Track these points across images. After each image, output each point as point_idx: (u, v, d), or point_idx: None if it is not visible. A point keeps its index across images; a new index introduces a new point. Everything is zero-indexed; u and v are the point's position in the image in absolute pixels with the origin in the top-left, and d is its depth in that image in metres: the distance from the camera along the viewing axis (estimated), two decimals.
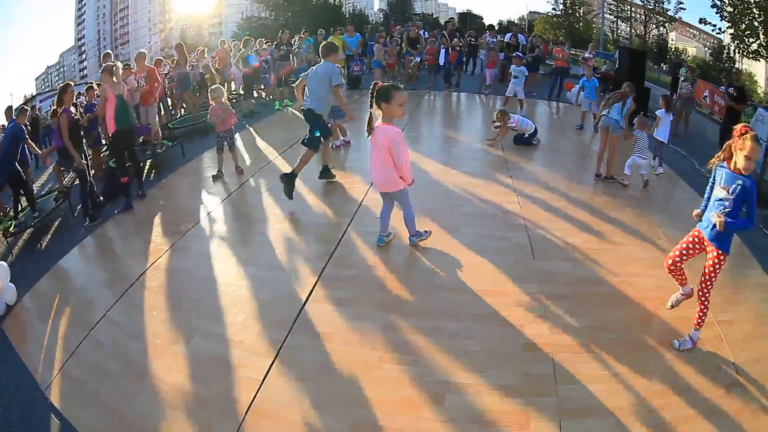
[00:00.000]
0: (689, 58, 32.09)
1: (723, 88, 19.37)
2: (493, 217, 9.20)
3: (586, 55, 23.02)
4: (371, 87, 7.05)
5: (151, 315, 6.59)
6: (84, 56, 33.78)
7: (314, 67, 10.18)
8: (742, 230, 6.20)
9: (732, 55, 27.32)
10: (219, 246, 8.30)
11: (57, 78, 32.79)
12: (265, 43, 21.69)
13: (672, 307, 6.60)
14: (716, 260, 5.75)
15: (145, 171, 12.64)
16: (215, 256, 7.95)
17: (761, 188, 12.23)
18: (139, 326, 6.36)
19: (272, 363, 5.58)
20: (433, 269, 7.39)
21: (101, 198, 10.56)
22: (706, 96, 20.72)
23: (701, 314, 5.97)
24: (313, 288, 6.89)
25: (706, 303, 5.93)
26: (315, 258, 7.65)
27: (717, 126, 17.75)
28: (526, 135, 13.80)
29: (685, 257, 6.25)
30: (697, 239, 6.07)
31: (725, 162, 5.63)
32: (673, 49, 33.87)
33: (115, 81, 10.02)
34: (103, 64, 10.72)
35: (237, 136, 12.32)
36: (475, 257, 7.71)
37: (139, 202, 10.33)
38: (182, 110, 18.73)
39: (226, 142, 11.13)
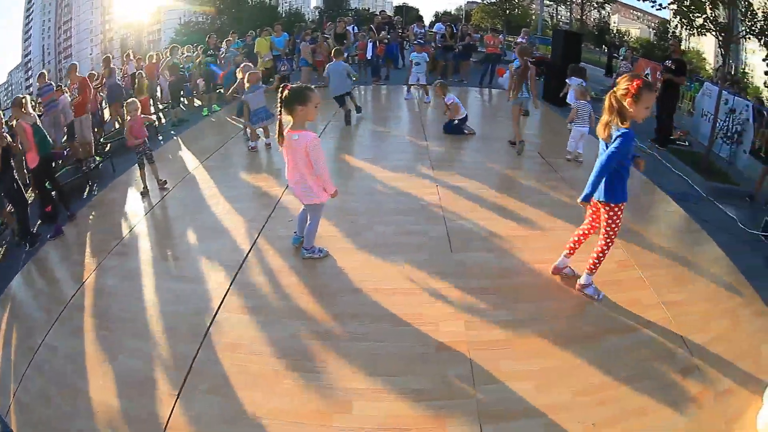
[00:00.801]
0: (632, 40, 32.45)
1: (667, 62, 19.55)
2: (411, 211, 8.92)
3: (519, 39, 23.39)
4: (279, 90, 6.58)
5: (82, 336, 6.44)
6: (30, 73, 33.38)
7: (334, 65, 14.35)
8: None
9: (677, 33, 27.59)
10: (140, 262, 8.10)
11: (5, 97, 32.30)
12: (195, 48, 21.39)
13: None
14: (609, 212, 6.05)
15: (80, 187, 12.37)
16: (137, 273, 7.75)
17: (709, 161, 12.35)
18: (72, 348, 6.24)
19: (186, 377, 5.44)
20: (344, 271, 7.16)
21: (39, 221, 10.32)
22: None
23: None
24: (224, 298, 6.69)
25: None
26: (228, 267, 7.44)
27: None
28: (456, 121, 13.62)
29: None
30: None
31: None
32: (615, 32, 34.21)
33: (25, 112, 9.79)
34: (16, 96, 10.26)
35: (164, 145, 12.34)
36: (388, 255, 7.48)
37: (71, 223, 10.09)
38: (117, 124, 18.19)
39: (145, 156, 10.84)
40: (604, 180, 5.85)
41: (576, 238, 6.69)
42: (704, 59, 27.55)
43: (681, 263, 7.55)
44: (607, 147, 5.83)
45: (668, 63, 14.18)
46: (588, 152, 11.14)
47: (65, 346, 6.33)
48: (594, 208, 6.37)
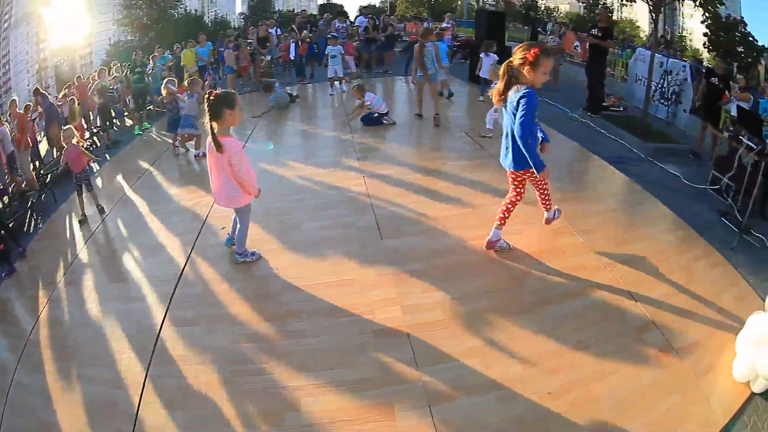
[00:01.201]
0: (561, 16, 32.70)
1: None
2: (339, 204, 8.93)
3: (444, 25, 23.68)
4: (206, 97, 6.45)
5: (45, 370, 6.33)
6: None
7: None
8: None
9: (608, 4, 27.84)
10: (85, 288, 7.97)
11: None
12: (123, 66, 21.07)
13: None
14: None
15: (25, 222, 12.16)
16: (84, 300, 7.63)
17: (646, 124, 12.47)
18: (38, 383, 6.10)
19: (141, 396, 5.39)
20: (277, 272, 7.14)
21: None
22: (577, 46, 21.10)
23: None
24: (166, 313, 6.63)
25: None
26: (167, 281, 7.37)
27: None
28: (376, 114, 13.76)
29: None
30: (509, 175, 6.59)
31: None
32: (543, 9, 34.41)
33: None
34: None
35: (99, 169, 12.12)
36: (319, 250, 7.48)
37: (22, 260, 9.90)
38: (54, 152, 17.87)
39: (83, 184, 10.62)
40: (514, 151, 6.10)
41: (504, 209, 6.74)
42: (638, 27, 27.80)
43: (624, 224, 7.72)
44: (511, 117, 6.02)
45: (594, 31, 14.31)
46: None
47: (32, 382, 6.23)
48: (515, 177, 6.52)
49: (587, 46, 15.71)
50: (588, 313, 5.63)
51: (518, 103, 5.78)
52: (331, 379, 5.08)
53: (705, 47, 21.03)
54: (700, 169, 10.39)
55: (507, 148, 6.25)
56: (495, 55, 15.17)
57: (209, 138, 6.50)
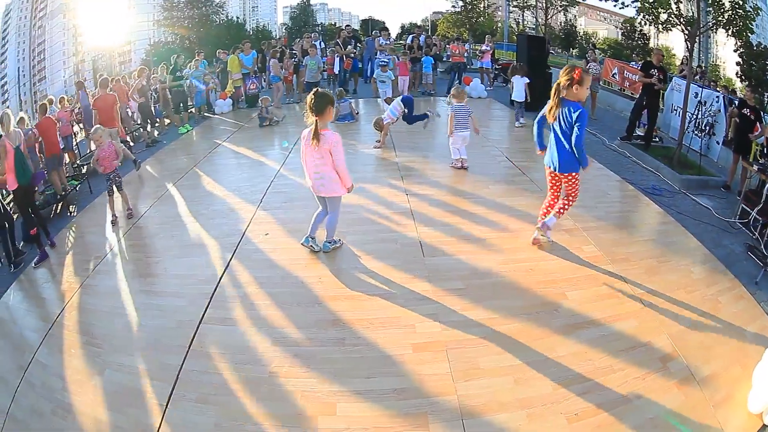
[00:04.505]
0: (599, 41, 32.62)
1: (634, 64, 19.64)
2: (383, 219, 9.09)
3: (484, 47, 23.59)
4: (310, 94, 7.10)
5: (70, 353, 6.48)
6: (6, 95, 33.06)
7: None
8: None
9: (645, 31, 27.77)
10: (121, 279, 8.09)
11: None
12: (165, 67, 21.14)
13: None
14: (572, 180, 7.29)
15: (58, 212, 12.30)
16: (118, 290, 7.76)
17: (681, 155, 12.47)
18: (61, 365, 6.29)
19: (173, 388, 5.47)
20: (321, 280, 7.25)
21: (23, 242, 10.15)
22: (614, 73, 20.98)
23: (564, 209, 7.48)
24: (205, 311, 6.73)
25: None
26: (206, 281, 7.49)
27: (626, 100, 18.01)
28: (405, 113, 13.77)
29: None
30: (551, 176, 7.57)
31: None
32: (582, 34, 34.35)
33: (10, 131, 9.64)
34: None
35: (138, 164, 12.21)
36: (361, 263, 7.63)
37: (52, 248, 9.89)
38: (92, 145, 17.96)
39: (114, 184, 10.52)
40: (562, 154, 7.15)
41: (545, 210, 7.79)
42: (674, 55, 27.66)
43: (656, 255, 7.72)
44: (561, 127, 7.07)
45: (654, 71, 14.25)
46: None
47: (54, 363, 6.35)
48: (554, 179, 7.55)
49: (623, 73, 15.75)
50: (617, 340, 5.70)
51: (574, 119, 6.82)
52: (368, 387, 5.18)
53: (737, 76, 20.91)
54: (730, 203, 10.40)
55: (555, 153, 7.23)
56: (526, 78, 15.89)
57: (306, 131, 7.15)
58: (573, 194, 7.34)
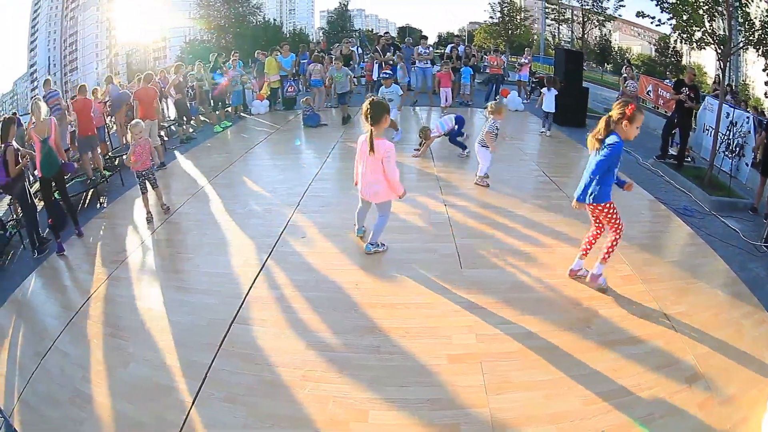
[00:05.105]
0: (633, 57, 32.50)
1: (668, 81, 19.57)
2: (421, 229, 9.13)
3: (523, 60, 23.65)
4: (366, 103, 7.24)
5: (93, 343, 6.52)
6: (36, 83, 33.27)
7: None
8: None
9: (678, 48, 27.65)
10: (152, 274, 8.18)
11: (10, 106, 32.26)
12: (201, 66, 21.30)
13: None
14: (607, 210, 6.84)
15: (88, 201, 12.44)
16: (148, 284, 7.86)
17: (712, 176, 12.45)
18: (83, 355, 6.32)
19: (201, 385, 5.51)
20: (358, 287, 7.28)
21: (49, 229, 10.04)
22: (649, 91, 20.89)
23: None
24: (238, 311, 6.79)
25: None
26: (240, 280, 7.56)
27: (660, 118, 17.95)
28: (453, 130, 13.83)
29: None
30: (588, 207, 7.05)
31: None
32: (616, 49, 34.25)
33: (41, 120, 9.61)
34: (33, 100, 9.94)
35: (173, 162, 12.48)
36: (399, 272, 7.65)
37: (80, 238, 9.95)
38: (124, 139, 18.11)
39: (147, 181, 10.46)
40: (588, 186, 6.76)
41: (587, 241, 7.31)
42: (705, 73, 27.55)
43: (684, 276, 7.74)
44: (596, 157, 6.69)
45: (685, 90, 14.26)
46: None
47: (75, 352, 6.42)
48: (593, 212, 7.04)
49: (657, 91, 15.75)
50: (646, 359, 5.73)
51: (605, 148, 6.52)
52: (402, 396, 5.22)
53: (766, 96, 20.79)
54: (757, 225, 10.39)
55: (585, 185, 6.81)
56: (555, 90, 16.55)
57: (362, 137, 7.34)
58: (614, 226, 6.88)
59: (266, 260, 8.08)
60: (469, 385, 5.33)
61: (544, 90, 17.15)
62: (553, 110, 16.91)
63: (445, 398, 5.18)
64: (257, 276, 7.63)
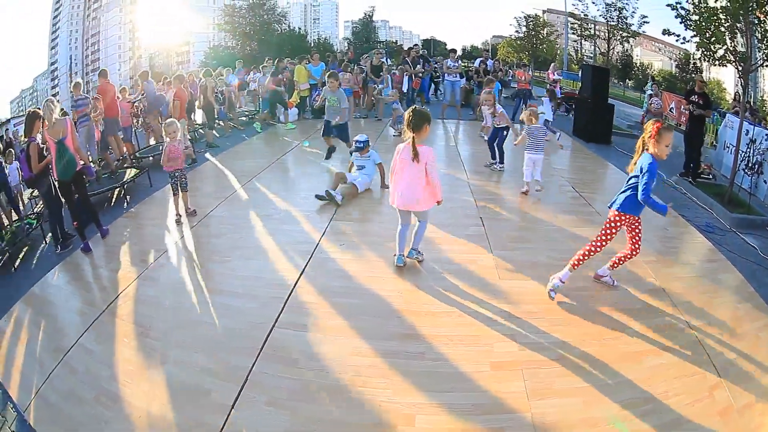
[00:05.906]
0: (655, 72, 32.45)
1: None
2: (459, 240, 9.26)
3: (555, 76, 23.78)
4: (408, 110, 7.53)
5: (122, 342, 6.56)
6: (56, 81, 33.49)
7: None
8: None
9: (698, 64, 27.65)
10: (185, 275, 8.24)
11: (30, 102, 32.60)
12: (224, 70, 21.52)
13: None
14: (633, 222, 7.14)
15: (114, 199, 12.67)
16: (181, 285, 7.91)
17: (732, 193, 12.53)
18: (110, 353, 6.36)
19: (241, 389, 5.55)
20: (399, 294, 7.41)
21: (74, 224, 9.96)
22: (672, 108, 20.94)
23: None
24: (279, 315, 6.88)
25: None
26: (281, 285, 7.64)
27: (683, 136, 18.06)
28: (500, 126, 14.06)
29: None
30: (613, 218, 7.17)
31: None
32: (638, 65, 34.22)
33: (53, 121, 9.22)
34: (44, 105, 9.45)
35: (202, 166, 12.58)
36: (439, 281, 7.76)
37: (106, 236, 10.05)
38: (152, 139, 18.42)
39: (179, 183, 10.56)
40: (628, 197, 6.96)
41: (619, 256, 7.41)
42: (724, 89, 27.56)
43: (708, 291, 7.91)
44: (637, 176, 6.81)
45: (695, 98, 14.39)
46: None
47: (102, 350, 6.49)
48: (618, 222, 7.13)
49: (680, 108, 15.84)
50: (674, 368, 5.92)
51: (641, 169, 6.69)
52: (446, 401, 5.34)
53: None
54: None
55: (618, 194, 7.10)
56: (549, 100, 17.93)
57: (402, 146, 7.51)
58: (637, 235, 7.15)
59: (305, 267, 8.18)
60: (512, 391, 5.48)
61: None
62: (551, 119, 17.93)
63: (489, 403, 5.33)
64: (297, 281, 7.73)
